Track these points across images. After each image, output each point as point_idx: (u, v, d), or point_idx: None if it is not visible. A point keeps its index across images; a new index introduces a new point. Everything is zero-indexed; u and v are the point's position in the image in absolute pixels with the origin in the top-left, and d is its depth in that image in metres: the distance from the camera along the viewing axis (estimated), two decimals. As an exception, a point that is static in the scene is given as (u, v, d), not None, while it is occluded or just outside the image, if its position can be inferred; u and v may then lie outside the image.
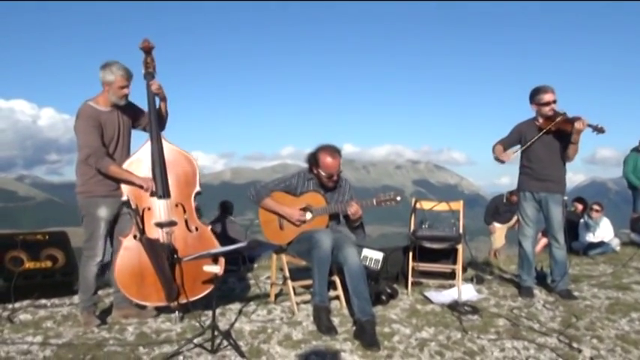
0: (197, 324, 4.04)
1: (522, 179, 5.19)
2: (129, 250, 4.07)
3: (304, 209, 4.48)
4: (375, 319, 3.98)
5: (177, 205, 4.21)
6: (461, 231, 5.24)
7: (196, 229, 4.25)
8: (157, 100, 4.27)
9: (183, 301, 4.11)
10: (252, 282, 5.64)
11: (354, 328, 3.99)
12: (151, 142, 4.19)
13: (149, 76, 4.20)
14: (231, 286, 5.53)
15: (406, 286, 5.26)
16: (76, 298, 4.57)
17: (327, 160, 4.38)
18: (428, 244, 5.22)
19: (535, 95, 5.01)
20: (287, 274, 4.54)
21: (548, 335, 3.94)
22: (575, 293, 5.12)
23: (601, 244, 8.16)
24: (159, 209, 4.15)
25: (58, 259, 5.03)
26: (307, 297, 4.65)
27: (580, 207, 9.23)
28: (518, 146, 5.10)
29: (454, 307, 4.58)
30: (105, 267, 4.37)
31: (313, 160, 4.46)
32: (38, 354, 3.48)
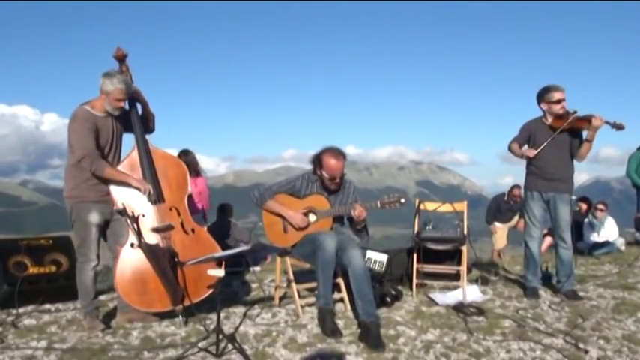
0: (201, 328, 4.02)
1: (529, 179, 5.16)
2: (127, 259, 4.06)
3: (308, 212, 4.47)
4: (379, 321, 3.97)
5: (171, 209, 4.21)
6: (465, 232, 5.22)
7: (192, 230, 4.26)
8: (139, 106, 4.30)
9: (187, 303, 4.11)
10: (256, 285, 5.63)
11: (358, 330, 3.97)
12: (138, 150, 4.22)
13: None
14: (235, 290, 5.52)
15: (411, 288, 5.24)
16: (80, 303, 4.57)
17: (331, 162, 4.37)
18: (432, 246, 5.20)
19: (545, 94, 4.97)
20: (291, 276, 4.52)
21: (554, 336, 3.93)
22: (581, 293, 5.10)
23: (606, 243, 8.13)
24: (153, 215, 4.15)
25: (62, 263, 5.02)
26: (312, 299, 4.64)
27: (584, 207, 9.21)
28: (548, 140, 4.93)
29: (459, 308, 4.57)
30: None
31: (317, 161, 4.45)
32: (43, 359, 3.48)
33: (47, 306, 4.76)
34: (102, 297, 5.08)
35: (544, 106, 4.99)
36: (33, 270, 4.85)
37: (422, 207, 5.48)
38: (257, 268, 6.58)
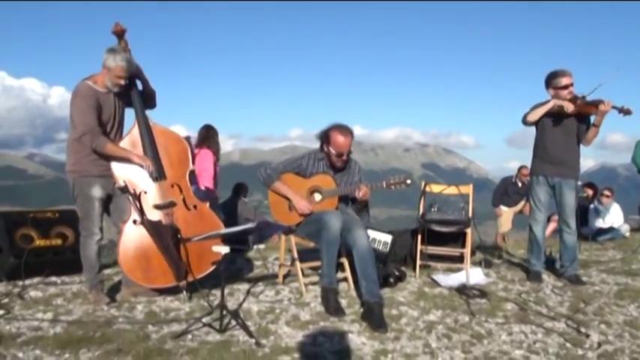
0: (205, 303, 4.06)
1: (536, 162, 5.14)
2: (130, 236, 4.09)
3: (314, 191, 4.47)
4: (382, 301, 3.99)
5: (172, 186, 4.22)
6: (470, 215, 5.22)
7: (195, 207, 4.27)
8: (139, 83, 4.27)
9: (190, 279, 4.14)
10: (260, 263, 5.66)
11: (361, 309, 4.00)
12: (139, 127, 4.20)
13: None
14: (240, 267, 5.56)
15: (414, 269, 5.26)
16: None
17: (338, 138, 4.36)
18: (437, 228, 5.20)
19: (552, 79, 4.93)
20: (295, 255, 4.54)
21: (556, 320, 3.94)
22: (584, 278, 5.10)
23: (610, 229, 8.12)
24: (155, 191, 4.16)
25: (68, 236, 5.06)
26: (315, 278, 4.67)
27: (591, 192, 9.17)
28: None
29: (462, 290, 4.58)
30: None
31: (325, 137, 4.44)
32: (48, 330, 3.52)
33: (53, 278, 4.81)
34: (107, 271, 5.12)
35: (552, 91, 4.95)
36: (39, 242, 4.89)
37: (427, 189, 5.48)
38: (261, 246, 6.61)
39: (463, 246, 5.29)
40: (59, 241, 5.00)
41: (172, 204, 4.18)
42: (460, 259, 5.34)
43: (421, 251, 5.28)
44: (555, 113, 4.89)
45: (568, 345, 3.47)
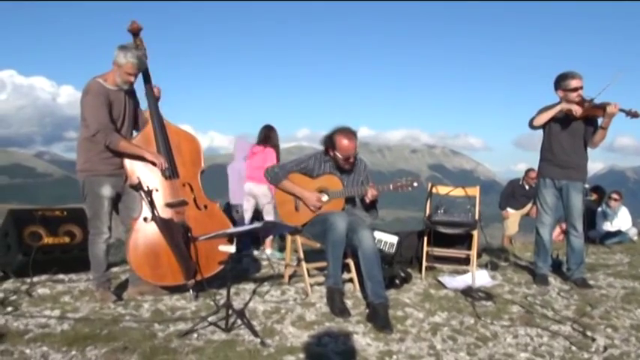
0: (212, 303, 4.07)
1: (543, 165, 5.13)
2: (140, 233, 4.10)
3: (320, 192, 4.48)
4: (388, 302, 3.99)
5: (184, 185, 4.24)
6: (477, 217, 5.21)
7: (205, 206, 4.29)
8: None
9: (198, 278, 4.15)
10: (266, 263, 5.67)
11: (367, 310, 4.00)
12: (153, 125, 4.22)
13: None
14: (246, 267, 5.57)
15: (420, 271, 5.26)
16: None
17: (343, 142, 4.36)
18: (443, 229, 5.20)
19: (562, 81, 4.91)
20: (301, 255, 4.55)
21: (562, 323, 3.93)
22: (591, 282, 5.08)
23: (618, 233, 8.09)
24: (167, 190, 4.18)
25: (76, 235, 5.08)
26: (321, 279, 4.68)
27: (595, 196, 9.13)
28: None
29: (468, 292, 4.58)
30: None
31: (329, 142, 4.44)
32: (56, 328, 3.54)
33: (61, 276, 4.84)
34: (114, 269, 5.16)
35: (560, 93, 4.94)
36: (47, 240, 4.91)
37: (434, 190, 5.48)
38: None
39: (469, 248, 5.28)
40: (67, 239, 5.03)
41: (184, 202, 4.20)
42: (466, 261, 5.33)
43: (427, 253, 5.28)
44: (562, 116, 4.88)
45: (574, 348, 3.46)
